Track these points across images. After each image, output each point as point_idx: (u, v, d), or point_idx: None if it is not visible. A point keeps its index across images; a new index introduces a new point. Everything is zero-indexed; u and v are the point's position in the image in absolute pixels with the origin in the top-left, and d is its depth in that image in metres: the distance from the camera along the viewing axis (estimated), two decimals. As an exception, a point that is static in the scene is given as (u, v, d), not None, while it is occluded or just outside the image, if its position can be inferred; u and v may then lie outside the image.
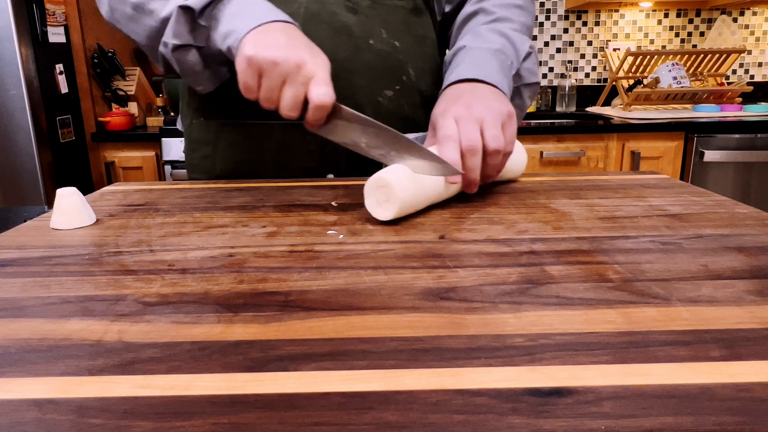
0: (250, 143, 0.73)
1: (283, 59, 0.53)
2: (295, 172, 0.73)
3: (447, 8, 0.81)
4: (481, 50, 0.68)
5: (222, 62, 0.66)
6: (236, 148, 0.74)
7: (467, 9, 0.77)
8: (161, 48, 0.63)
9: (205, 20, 0.61)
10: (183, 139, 0.80)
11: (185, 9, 0.60)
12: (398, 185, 0.49)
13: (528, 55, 0.72)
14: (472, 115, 0.57)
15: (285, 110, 0.55)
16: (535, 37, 2.49)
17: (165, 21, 0.62)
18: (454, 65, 0.69)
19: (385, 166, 0.53)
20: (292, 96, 0.54)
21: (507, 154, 0.59)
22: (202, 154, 0.75)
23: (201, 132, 0.75)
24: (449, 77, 0.67)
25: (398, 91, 0.73)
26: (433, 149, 0.55)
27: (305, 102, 0.54)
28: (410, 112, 0.74)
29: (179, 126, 0.83)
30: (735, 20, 2.51)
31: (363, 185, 0.51)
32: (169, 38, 0.62)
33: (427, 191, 0.53)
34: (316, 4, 0.69)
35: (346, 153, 0.73)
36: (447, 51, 0.87)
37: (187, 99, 0.77)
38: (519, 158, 0.65)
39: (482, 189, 0.60)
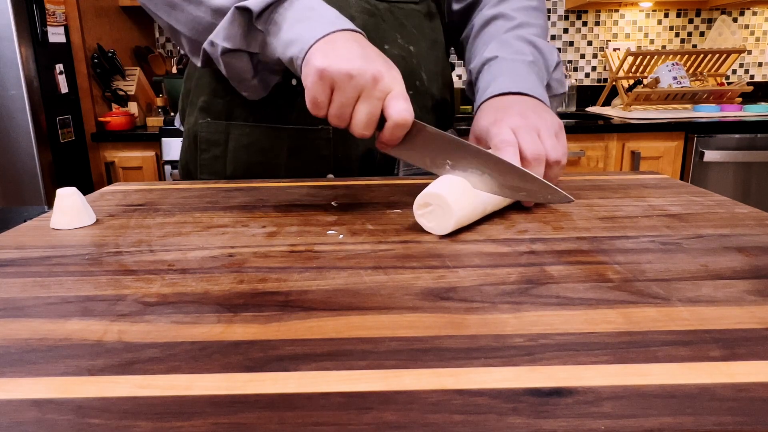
0: (261, 146, 0.72)
1: (359, 72, 0.48)
2: (307, 177, 0.71)
3: (456, 6, 0.80)
4: (516, 62, 0.67)
5: (274, 71, 0.63)
6: (247, 151, 0.72)
7: (486, 13, 0.75)
8: (207, 46, 0.58)
9: (263, 25, 0.55)
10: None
11: (242, 10, 0.55)
12: (457, 207, 0.46)
13: (557, 65, 0.71)
14: (529, 125, 0.55)
15: (358, 129, 0.50)
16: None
17: (216, 13, 0.56)
18: (489, 77, 0.66)
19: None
20: (367, 113, 0.49)
21: (563, 167, 0.57)
22: (211, 155, 0.74)
23: (210, 132, 0.73)
24: (487, 90, 0.65)
25: (412, 97, 0.71)
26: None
27: (380, 120, 0.50)
28: (422, 116, 0.73)
29: (177, 124, 0.81)
30: (735, 20, 2.51)
31: (362, 185, 0.51)
32: (220, 39, 0.56)
33: (486, 208, 0.50)
34: (335, 7, 0.67)
35: (359, 158, 0.72)
36: (452, 51, 0.86)
37: (192, 96, 0.75)
38: None
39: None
